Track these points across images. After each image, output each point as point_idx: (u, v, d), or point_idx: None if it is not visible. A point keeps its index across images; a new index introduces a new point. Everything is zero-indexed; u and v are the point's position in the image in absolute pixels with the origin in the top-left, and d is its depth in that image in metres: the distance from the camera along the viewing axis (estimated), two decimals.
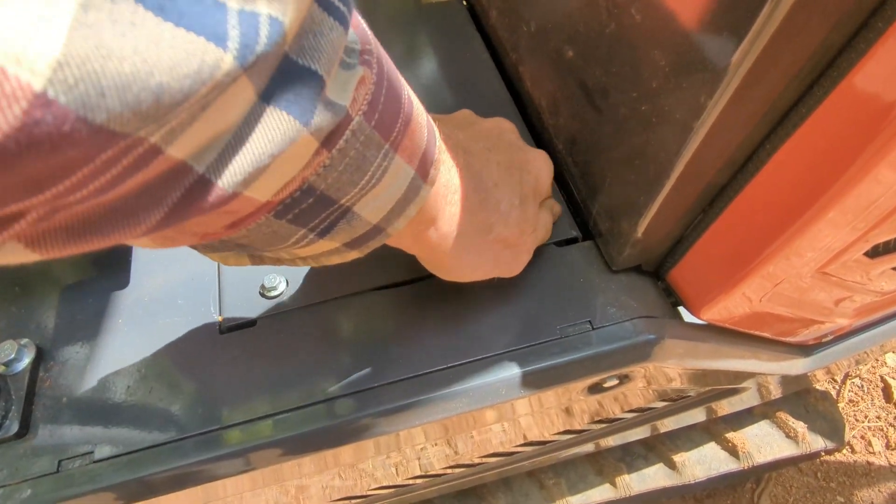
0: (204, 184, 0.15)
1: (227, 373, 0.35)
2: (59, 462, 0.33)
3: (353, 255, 0.25)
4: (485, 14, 0.50)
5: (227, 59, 0.12)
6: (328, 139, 0.18)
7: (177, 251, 0.40)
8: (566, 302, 0.36)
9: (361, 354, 0.35)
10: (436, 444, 0.43)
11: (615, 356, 0.34)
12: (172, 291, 0.39)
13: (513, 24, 0.44)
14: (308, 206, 0.20)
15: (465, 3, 0.54)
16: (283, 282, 0.38)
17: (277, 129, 0.15)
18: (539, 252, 0.38)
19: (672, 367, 0.37)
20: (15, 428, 0.33)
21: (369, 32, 0.19)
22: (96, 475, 0.32)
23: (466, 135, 0.32)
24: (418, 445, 0.40)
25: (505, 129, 0.35)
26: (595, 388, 0.37)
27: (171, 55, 0.11)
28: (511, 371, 0.34)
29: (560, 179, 0.41)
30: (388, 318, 0.36)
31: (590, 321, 0.35)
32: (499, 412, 0.36)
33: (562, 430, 0.49)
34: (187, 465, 0.33)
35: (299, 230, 0.21)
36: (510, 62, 0.46)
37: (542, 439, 0.50)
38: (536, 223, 0.34)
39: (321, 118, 0.17)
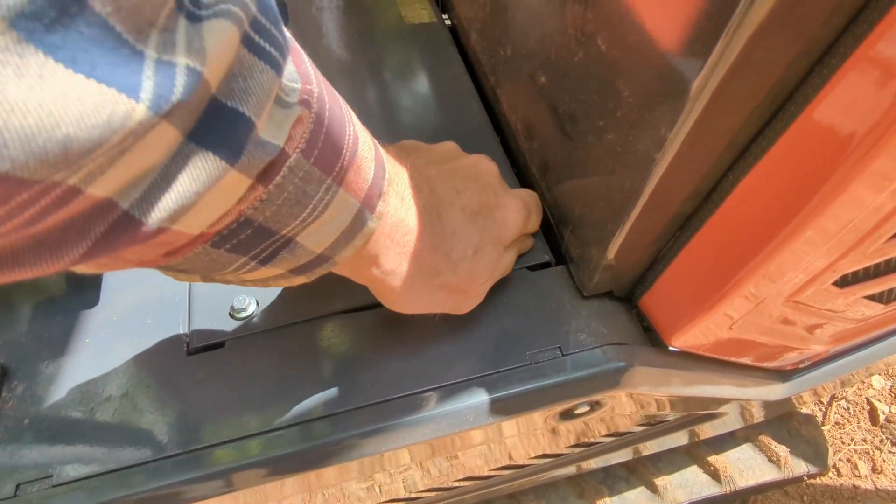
0: (128, 219, 0.15)
1: (194, 395, 0.34)
2: (18, 486, 0.32)
3: (300, 280, 0.25)
4: (465, 36, 0.50)
5: (139, 109, 0.12)
6: (263, 175, 0.18)
7: (151, 269, 0.40)
8: (536, 327, 0.36)
9: (329, 378, 0.34)
10: (408, 469, 0.43)
11: (585, 383, 0.34)
12: (142, 310, 0.39)
13: (491, 47, 0.44)
14: (247, 237, 0.20)
15: (448, 23, 0.55)
16: (252, 303, 0.37)
17: (203, 168, 0.15)
18: (511, 276, 0.38)
19: (644, 393, 0.37)
20: None
21: (312, 72, 0.20)
22: (54, 499, 0.31)
23: (439, 171, 0.32)
24: (390, 469, 0.39)
25: (483, 170, 0.34)
26: (567, 415, 0.37)
27: (78, 107, 0.11)
28: (480, 397, 0.33)
29: None
30: (356, 342, 0.36)
31: (560, 347, 0.35)
32: (480, 435, 0.36)
33: (542, 453, 0.49)
34: (149, 489, 0.32)
35: (240, 258, 0.21)
36: (489, 85, 0.46)
37: (521, 462, 0.49)
38: (494, 270, 0.33)
39: (251, 157, 0.17)
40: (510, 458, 0.48)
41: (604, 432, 0.48)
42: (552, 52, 0.34)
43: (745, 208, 0.28)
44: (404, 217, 0.27)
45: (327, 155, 0.20)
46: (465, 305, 0.33)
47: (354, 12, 0.57)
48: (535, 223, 0.37)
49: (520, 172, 0.43)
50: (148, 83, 0.12)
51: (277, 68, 0.16)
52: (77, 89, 0.11)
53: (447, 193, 0.31)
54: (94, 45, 0.11)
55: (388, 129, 0.47)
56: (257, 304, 0.38)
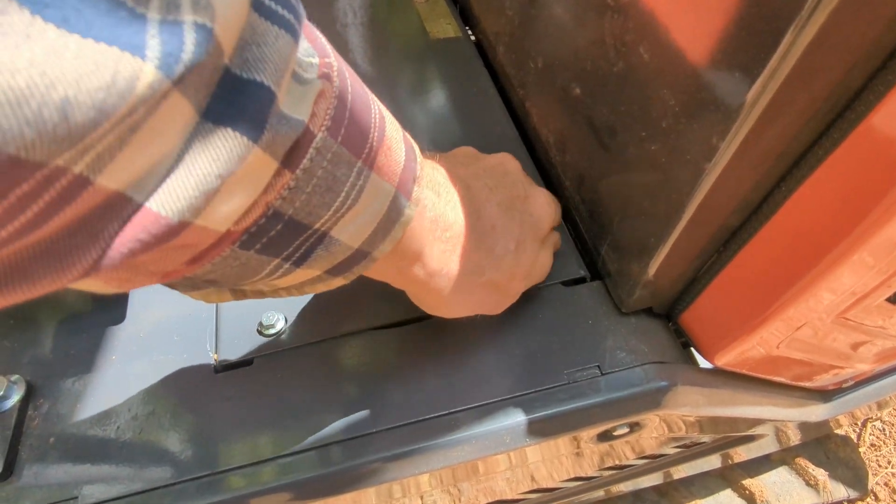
0: (145, 215, 0.13)
1: (222, 414, 0.34)
2: None
3: (339, 282, 0.24)
4: (492, 50, 0.50)
5: (147, 70, 0.11)
6: (288, 158, 0.16)
7: None
8: (573, 345, 0.34)
9: (361, 397, 0.33)
10: (436, 491, 0.41)
11: (625, 403, 0.33)
12: (169, 327, 0.38)
13: (520, 60, 0.44)
14: (277, 234, 0.18)
15: (472, 38, 0.55)
16: (281, 319, 0.37)
17: (223, 147, 0.14)
18: (545, 292, 0.37)
19: (685, 414, 0.35)
20: None
21: (328, 46, 0.18)
22: None
23: (468, 171, 0.31)
24: (420, 492, 0.38)
25: (509, 167, 0.34)
26: (605, 436, 0.35)
27: (76, 67, 0.10)
28: (516, 418, 0.32)
29: (568, 217, 0.40)
30: (388, 359, 0.35)
31: (598, 366, 0.33)
32: (507, 458, 0.35)
33: (571, 476, 0.47)
34: None
35: (272, 260, 0.19)
36: (517, 98, 0.45)
37: (550, 486, 0.48)
38: (532, 267, 0.32)
39: (275, 134, 0.15)
40: (535, 480, 0.46)
41: (636, 455, 0.46)
42: (588, 62, 0.33)
43: (798, 221, 0.27)
44: (443, 211, 0.26)
45: (355, 134, 0.18)
46: (502, 304, 0.32)
47: (379, 28, 0.57)
48: (559, 216, 0.37)
49: (552, 186, 0.42)
50: (153, 41, 0.11)
51: (293, 33, 0.15)
52: (72, 48, 0.10)
53: (481, 190, 0.30)
54: (86, 4, 0.10)
55: (420, 145, 0.46)
56: (286, 320, 0.37)
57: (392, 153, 0.21)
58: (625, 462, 0.47)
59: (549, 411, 0.32)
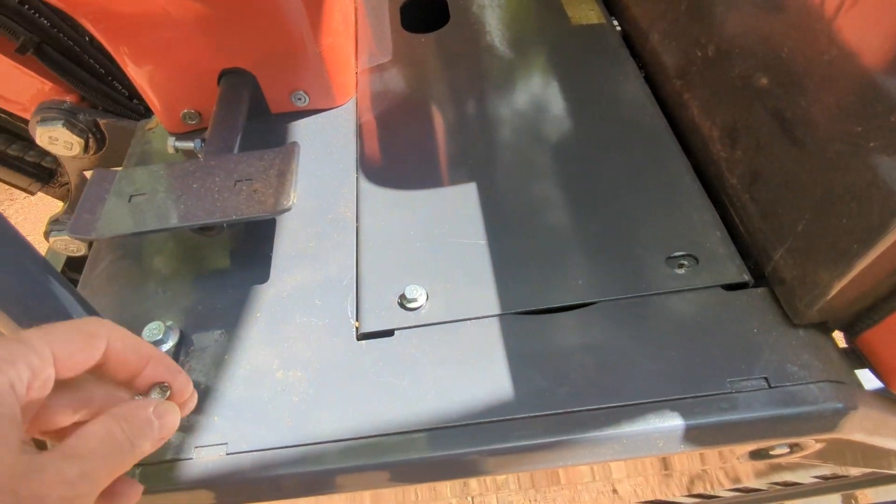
0: None
1: (363, 381, 0.34)
2: (195, 449, 0.32)
3: None
4: (642, 37, 0.48)
5: None
6: None
7: (318, 251, 0.41)
8: (736, 353, 0.32)
9: (503, 380, 0.33)
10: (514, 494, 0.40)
11: (794, 422, 0.30)
12: (310, 291, 0.39)
13: (681, 47, 0.41)
14: None
15: (617, 25, 0.53)
16: (423, 294, 0.36)
17: None
18: (704, 295, 0.34)
19: (858, 440, 0.32)
20: None
21: None
22: (228, 466, 0.32)
23: None
24: (555, 486, 0.37)
25: None
26: (759, 454, 0.33)
27: None
28: (672, 422, 0.30)
29: (728, 218, 0.37)
30: (533, 346, 0.34)
31: (766, 378, 0.31)
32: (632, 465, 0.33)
33: (687, 493, 0.45)
34: (315, 470, 0.31)
35: None
36: (672, 88, 0.43)
37: (669, 499, 0.46)
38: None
39: None
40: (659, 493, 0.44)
41: (767, 480, 0.43)
42: (784, 49, 0.31)
43: None
44: None
45: None
46: None
47: (517, 11, 0.56)
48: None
49: (709, 182, 0.39)
50: None
51: None
52: None
53: None
54: None
55: (557, 133, 0.45)
56: (427, 296, 0.37)
57: None
58: (752, 486, 0.44)
59: (710, 419, 0.30)
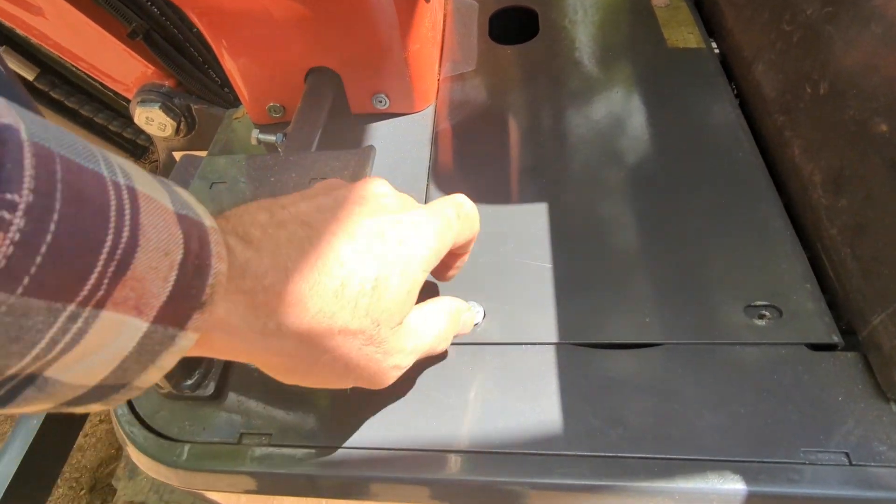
0: None
1: (410, 393, 0.33)
2: (241, 435, 0.33)
3: (97, 407, 0.20)
4: (744, 65, 0.45)
5: None
6: None
7: None
8: (815, 421, 0.29)
9: (551, 413, 0.31)
10: None
11: None
12: None
13: (789, 81, 0.38)
14: None
15: (716, 50, 0.50)
16: (481, 312, 0.36)
17: None
18: (785, 351, 0.32)
19: None
20: (211, 390, 0.35)
21: (32, 172, 0.14)
22: (272, 457, 0.32)
23: (312, 205, 0.25)
24: None
25: (370, 193, 0.27)
26: None
27: None
28: (732, 485, 0.28)
29: (821, 271, 0.34)
30: (589, 381, 0.32)
31: (847, 454, 0.28)
32: None
33: None
34: (351, 476, 0.31)
35: None
36: (772, 124, 0.40)
37: None
38: (406, 304, 0.26)
39: None
40: None
41: None
42: None
43: None
44: (254, 263, 0.21)
45: (57, 278, 0.15)
46: (383, 369, 0.26)
47: (610, 30, 0.55)
48: (460, 230, 0.29)
49: (803, 229, 0.36)
50: None
51: None
52: None
53: (326, 224, 0.24)
54: None
55: (639, 159, 0.43)
56: (484, 314, 0.36)
57: (144, 284, 0.17)
58: None
59: (774, 489, 0.28)
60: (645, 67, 0.50)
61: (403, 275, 0.26)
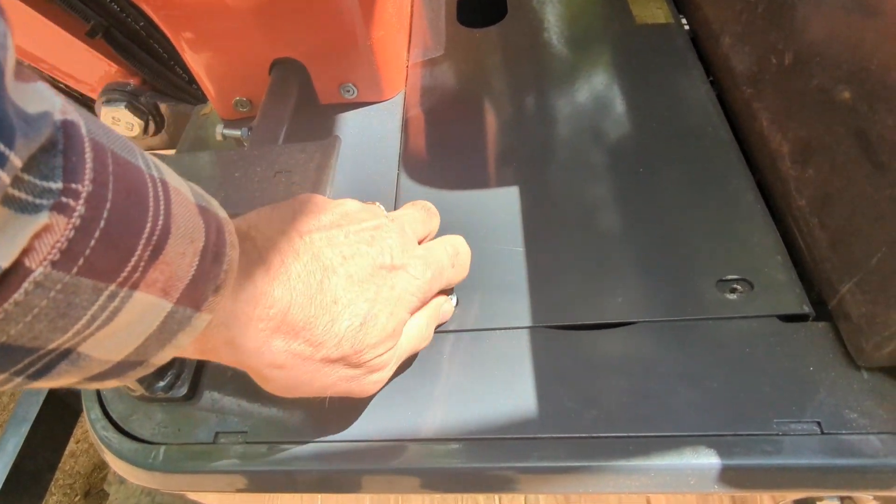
0: None
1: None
2: (217, 434, 0.33)
3: (113, 383, 0.22)
4: (712, 39, 0.44)
5: None
6: None
7: None
8: (787, 392, 0.29)
9: (527, 397, 0.31)
10: None
11: (848, 474, 0.27)
12: None
13: (755, 53, 0.38)
14: None
15: (685, 26, 0.49)
16: (453, 299, 0.35)
17: None
18: (757, 324, 0.32)
19: None
20: (184, 392, 0.34)
21: (91, 164, 0.16)
22: (248, 455, 0.32)
23: (325, 236, 0.28)
24: None
25: (381, 233, 0.30)
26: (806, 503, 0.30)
27: None
28: (707, 459, 0.28)
29: (792, 242, 0.34)
30: (563, 363, 0.32)
31: (819, 423, 0.28)
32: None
33: None
34: (328, 469, 0.31)
35: None
36: (741, 96, 0.40)
37: None
38: (391, 339, 0.29)
39: None
40: None
41: None
42: (874, 61, 0.27)
43: None
44: (268, 289, 0.24)
45: (104, 261, 0.17)
46: (364, 384, 0.29)
47: (579, 8, 0.54)
48: (452, 276, 0.33)
49: (774, 202, 0.36)
50: None
51: (7, 146, 0.13)
52: None
53: (332, 259, 0.27)
54: None
55: (610, 139, 0.42)
56: (457, 301, 0.36)
57: (172, 268, 0.19)
58: None
59: (750, 461, 0.28)
60: (614, 45, 0.49)
61: (392, 315, 0.28)
